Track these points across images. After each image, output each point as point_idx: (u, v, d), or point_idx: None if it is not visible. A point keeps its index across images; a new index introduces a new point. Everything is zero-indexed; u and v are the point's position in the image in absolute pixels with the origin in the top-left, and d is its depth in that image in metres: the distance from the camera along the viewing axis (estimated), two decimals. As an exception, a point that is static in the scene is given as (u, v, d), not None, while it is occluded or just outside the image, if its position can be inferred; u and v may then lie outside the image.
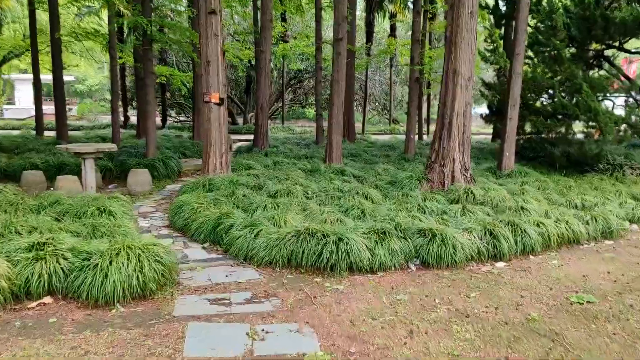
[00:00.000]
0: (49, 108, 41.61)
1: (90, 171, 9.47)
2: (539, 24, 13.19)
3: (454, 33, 9.05)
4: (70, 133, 21.37)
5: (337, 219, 6.71)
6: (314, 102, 34.36)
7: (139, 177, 9.73)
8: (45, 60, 30.94)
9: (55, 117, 16.35)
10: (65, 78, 44.84)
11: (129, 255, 4.66)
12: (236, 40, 22.95)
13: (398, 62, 30.40)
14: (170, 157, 12.08)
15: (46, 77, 41.56)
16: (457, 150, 9.18)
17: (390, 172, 11.51)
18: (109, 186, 10.75)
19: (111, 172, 11.40)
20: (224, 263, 5.79)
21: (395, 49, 21.09)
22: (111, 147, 9.61)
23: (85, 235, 5.45)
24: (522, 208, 7.52)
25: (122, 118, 27.88)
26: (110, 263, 4.53)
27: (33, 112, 38.35)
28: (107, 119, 32.34)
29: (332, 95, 12.08)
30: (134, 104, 25.93)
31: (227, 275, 5.39)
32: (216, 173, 9.54)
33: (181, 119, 31.56)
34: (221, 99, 9.50)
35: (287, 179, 9.27)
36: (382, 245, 5.75)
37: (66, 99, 47.45)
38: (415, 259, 5.94)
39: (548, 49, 12.96)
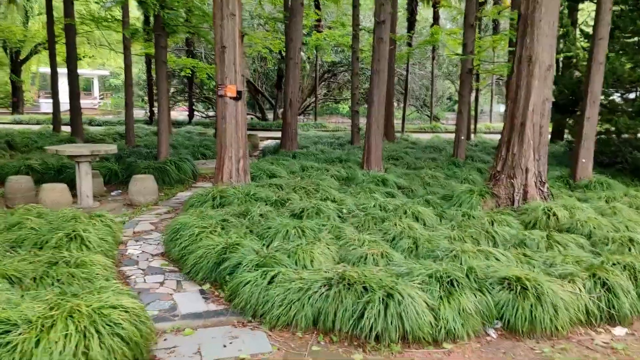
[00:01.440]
0: (83, 102, 41.40)
1: (85, 177, 7.99)
2: (620, 6, 11.04)
3: (530, 10, 7.14)
4: (92, 129, 20.27)
5: (382, 254, 4.98)
6: (349, 97, 32.57)
7: (143, 185, 8.21)
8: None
9: (70, 112, 15.12)
10: (100, 72, 44.75)
11: (73, 324, 3.06)
12: (266, 30, 21.34)
13: (439, 55, 28.25)
14: (185, 159, 10.55)
15: (81, 71, 41.18)
16: (531, 157, 7.28)
17: (440, 180, 9.66)
18: (113, 193, 9.29)
19: (117, 176, 9.95)
20: (224, 321, 4.13)
21: (439, 40, 19.06)
22: (109, 148, 8.11)
23: (29, 282, 3.87)
24: (630, 240, 5.58)
25: (148, 113, 26.81)
26: (38, 343, 2.93)
27: (68, 106, 38.29)
28: (137, 114, 31.40)
29: (371, 89, 10.30)
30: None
31: (225, 346, 3.73)
32: (232, 182, 7.91)
33: (210, 114, 30.26)
34: (239, 92, 7.86)
35: (317, 190, 7.56)
36: (449, 302, 3.98)
37: (101, 93, 47.06)
38: (496, 321, 4.15)
39: (631, 35, 10.81)
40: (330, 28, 20.61)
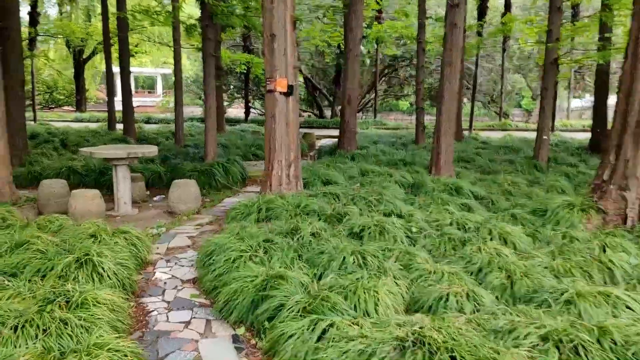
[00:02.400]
0: (145, 100, 42.12)
1: (123, 181, 7.25)
2: None
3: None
4: (147, 127, 20.03)
5: (467, 294, 3.79)
6: (410, 93, 30.99)
7: (184, 191, 7.36)
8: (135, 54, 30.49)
9: (122, 110, 14.74)
10: (163, 71, 45.44)
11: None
12: (324, 23, 20.31)
13: (509, 46, 26.18)
14: (234, 161, 9.68)
15: (138, 69, 41.99)
16: (651, 165, 5.80)
17: (522, 187, 8.23)
18: (155, 198, 8.55)
19: (161, 179, 9.22)
20: (259, 388, 3.10)
21: (513, 28, 17.32)
22: (148, 150, 7.33)
23: (7, 333, 2.99)
24: None
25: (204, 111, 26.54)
26: None
27: (134, 104, 39.00)
28: (194, 111, 31.36)
29: (442, 82, 9.00)
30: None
31: None
32: (281, 190, 6.91)
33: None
34: (290, 87, 6.84)
35: (380, 201, 6.41)
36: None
37: (164, 91, 47.82)
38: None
39: None
40: (392, 19, 19.28)
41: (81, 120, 25.46)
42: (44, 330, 2.99)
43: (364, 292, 3.67)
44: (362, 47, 11.73)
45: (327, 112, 28.03)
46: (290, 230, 5.17)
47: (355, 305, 3.57)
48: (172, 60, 34.56)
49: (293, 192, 6.90)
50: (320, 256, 4.49)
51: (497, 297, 3.97)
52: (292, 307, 3.51)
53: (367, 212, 5.94)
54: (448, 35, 8.87)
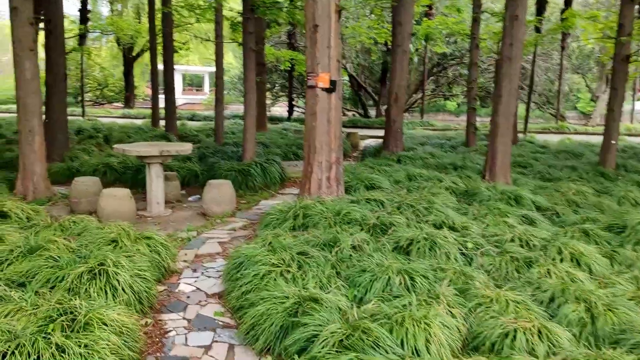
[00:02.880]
0: (194, 98, 42.63)
1: (156, 180, 6.90)
2: None
3: None
4: (190, 124, 19.97)
5: (539, 331, 3.13)
6: (458, 93, 29.87)
7: (218, 192, 6.94)
8: (182, 53, 30.73)
9: (165, 107, 14.61)
10: (211, 69, 45.98)
11: None
12: (371, 19, 19.64)
13: (568, 44, 24.69)
14: (272, 161, 9.22)
15: (186, 67, 42.53)
16: None
17: (589, 198, 7.35)
18: (190, 198, 8.19)
19: (197, 178, 8.87)
20: None
21: (574, 24, 16.12)
22: (182, 148, 6.95)
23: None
24: None
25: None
26: None
27: (181, 102, 39.54)
28: (240, 109, 31.33)
29: (499, 80, 8.22)
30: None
31: None
32: (321, 194, 6.37)
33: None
34: (332, 82, 6.29)
35: (429, 210, 5.77)
36: None
37: (210, 88, 48.45)
38: None
39: None
40: (445, 15, 18.41)
41: (128, 117, 25.83)
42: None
43: (413, 325, 3.08)
44: (409, 45, 11.05)
45: (372, 112, 27.34)
46: (328, 241, 4.61)
47: (402, 341, 2.98)
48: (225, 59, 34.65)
49: (333, 197, 6.35)
50: (361, 275, 3.92)
51: (575, 336, 3.29)
52: (326, 338, 2.96)
53: (415, 222, 5.31)
54: (508, 28, 8.09)
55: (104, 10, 36.47)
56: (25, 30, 7.16)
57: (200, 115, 25.63)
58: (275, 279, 3.83)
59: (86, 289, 3.49)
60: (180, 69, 44.15)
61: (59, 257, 3.86)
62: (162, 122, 16.33)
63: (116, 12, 27.66)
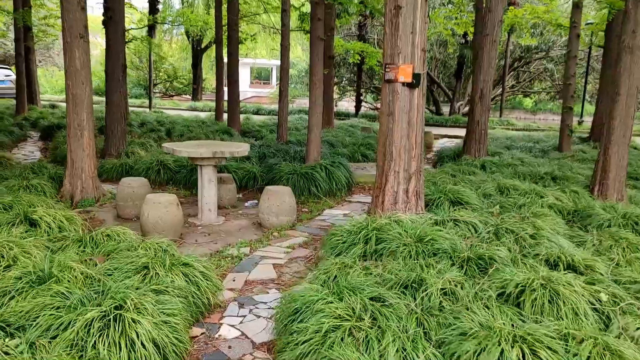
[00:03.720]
0: (261, 91, 42.52)
1: (208, 185, 6.11)
2: None
3: None
4: (255, 118, 19.42)
5: None
6: (541, 90, 27.55)
7: (276, 201, 6.05)
8: (249, 45, 30.39)
9: (228, 100, 14.00)
10: (277, 63, 45.74)
11: None
12: (450, 9, 18.15)
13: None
14: (339, 164, 8.24)
15: (254, 60, 42.44)
16: None
17: None
18: (247, 203, 7.38)
19: (255, 181, 8.05)
20: None
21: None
22: (238, 150, 6.11)
23: None
24: None
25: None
26: None
27: (248, 95, 39.50)
28: (306, 103, 30.64)
29: (617, 74, 6.77)
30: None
31: None
32: (397, 210, 5.31)
33: (378, 106, 28.02)
34: (416, 76, 5.18)
35: (536, 239, 4.55)
36: None
37: (277, 82, 48.39)
38: None
39: None
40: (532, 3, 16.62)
41: (194, 109, 25.78)
42: None
43: None
44: (499, 34, 9.66)
45: (445, 109, 25.73)
46: (410, 281, 3.56)
47: None
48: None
49: (412, 215, 5.26)
50: (459, 340, 2.84)
51: None
52: None
53: (520, 256, 4.13)
54: (631, 12, 6.61)
55: (176, 2, 36.94)
56: (76, 15, 6.57)
57: (266, 109, 25.11)
58: (342, 339, 2.83)
59: (94, 342, 2.65)
60: (249, 62, 44.16)
61: (70, 292, 3.06)
62: (226, 116, 15.83)
63: (187, 4, 27.66)
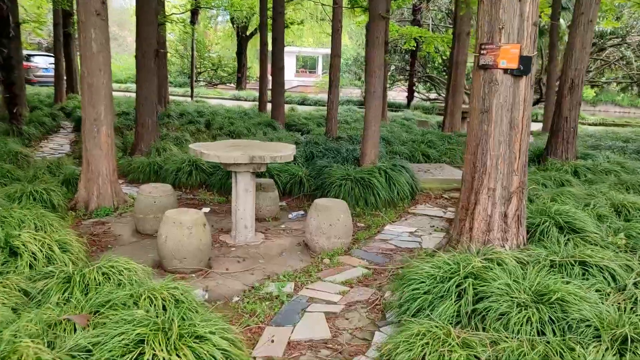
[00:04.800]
0: (306, 80, 41.30)
1: (244, 196, 4.94)
2: None
3: None
4: (300, 109, 18.19)
5: None
6: (611, 80, 25.06)
7: (328, 219, 4.79)
8: (296, 33, 29.21)
9: (272, 90, 12.82)
10: (324, 51, 44.48)
11: None
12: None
13: None
14: (400, 168, 6.91)
15: (299, 49, 41.24)
16: None
17: None
18: (291, 215, 6.17)
19: (301, 186, 6.84)
20: None
21: None
22: (280, 154, 4.88)
23: None
24: None
25: (363, 93, 24.14)
26: None
27: (294, 84, 38.31)
28: (352, 92, 29.25)
29: None
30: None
31: None
32: (491, 240, 3.94)
33: (431, 96, 26.28)
34: (524, 60, 3.78)
35: None
36: None
37: (323, 71, 47.10)
38: None
39: None
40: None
41: (238, 99, 24.85)
42: None
43: None
44: (596, 13, 8.01)
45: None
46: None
47: None
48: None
49: (512, 248, 3.90)
50: None
51: None
52: None
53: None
54: None
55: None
56: (91, -12, 5.49)
57: (312, 100, 23.88)
58: None
59: None
60: (294, 50, 42.99)
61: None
62: (270, 106, 14.70)
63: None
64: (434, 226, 5.89)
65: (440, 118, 16.45)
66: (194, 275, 4.23)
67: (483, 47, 3.87)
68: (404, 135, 10.69)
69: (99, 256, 4.56)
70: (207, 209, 6.26)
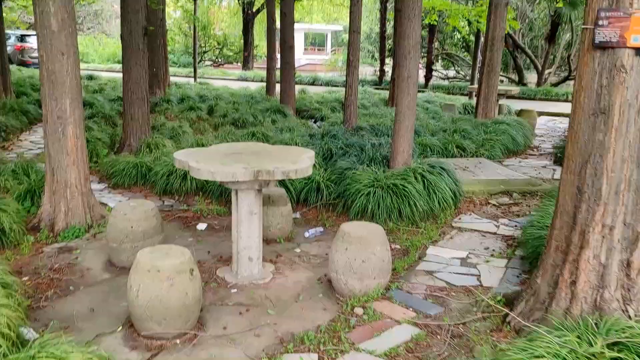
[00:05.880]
0: (315, 58, 39.60)
1: (248, 221, 3.74)
2: None
3: None
4: (311, 91, 16.78)
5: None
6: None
7: (360, 253, 3.55)
8: (305, 8, 27.65)
9: (281, 70, 11.50)
10: (334, 28, 42.65)
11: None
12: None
13: None
14: (440, 170, 5.64)
15: (308, 26, 39.53)
16: None
17: None
18: (307, 233, 4.95)
19: (319, 193, 5.59)
20: None
21: None
22: (294, 168, 3.63)
23: None
24: None
25: (377, 73, 22.70)
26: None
27: (302, 62, 36.63)
28: (366, 71, 27.70)
29: None
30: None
31: None
32: (608, 303, 2.69)
33: (449, 74, 24.75)
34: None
35: None
36: None
37: (332, 48, 45.42)
38: None
39: None
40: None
41: (245, 79, 23.50)
42: None
43: None
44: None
45: (531, 78, 22.19)
46: None
47: None
48: (343, 18, 31.04)
49: (638, 313, 2.65)
50: None
51: None
52: None
53: None
54: None
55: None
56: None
57: (322, 79, 22.48)
58: None
59: None
60: (303, 27, 41.28)
61: None
62: (279, 88, 13.36)
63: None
64: (488, 248, 4.66)
65: (464, 99, 15.05)
66: (177, 341, 3.05)
67: (602, 14, 2.57)
68: (432, 124, 9.36)
69: (54, 307, 3.40)
70: (203, 226, 5.06)
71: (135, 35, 7.06)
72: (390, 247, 4.63)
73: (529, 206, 5.95)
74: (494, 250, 4.63)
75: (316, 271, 4.10)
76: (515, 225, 5.26)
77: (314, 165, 6.08)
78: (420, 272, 4.14)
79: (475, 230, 5.13)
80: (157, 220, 4.11)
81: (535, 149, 9.39)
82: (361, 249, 3.57)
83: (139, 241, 3.94)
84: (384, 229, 4.77)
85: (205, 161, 3.65)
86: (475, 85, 13.96)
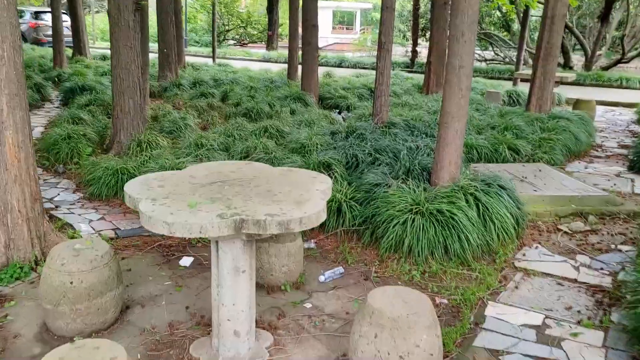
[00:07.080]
0: (343, 37, 37.90)
1: (233, 280, 2.51)
2: None
3: None
4: (337, 74, 15.35)
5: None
6: None
7: (394, 344, 2.33)
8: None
9: (302, 52, 10.20)
10: (363, 6, 40.88)
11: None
12: None
13: None
14: (497, 189, 4.33)
15: (337, 3, 37.77)
16: None
17: None
18: (323, 276, 3.73)
19: (339, 216, 4.35)
20: None
21: None
22: (300, 214, 2.39)
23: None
24: None
25: (409, 54, 21.11)
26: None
27: (330, 41, 34.98)
28: (395, 53, 26.04)
29: None
30: (427, 35, 18.42)
31: None
32: None
33: (486, 56, 22.94)
34: None
35: None
36: None
37: (361, 28, 43.70)
38: None
39: None
40: None
41: (267, 60, 22.19)
42: None
43: None
44: None
45: (575, 60, 20.26)
46: None
47: None
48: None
49: None
50: None
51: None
52: None
53: None
54: None
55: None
56: None
57: (350, 61, 21.00)
58: None
59: None
60: (332, 5, 39.50)
61: None
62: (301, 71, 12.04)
63: None
64: (571, 308, 3.37)
65: (507, 84, 13.45)
66: None
67: None
68: (476, 117, 7.96)
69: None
70: (188, 261, 3.90)
71: (124, 11, 5.87)
72: (435, 300, 3.41)
73: (612, 235, 4.60)
74: (579, 311, 3.34)
75: (332, 345, 2.91)
76: (602, 268, 3.94)
77: (334, 173, 4.85)
78: (481, 352, 2.90)
79: (548, 274, 3.83)
80: (112, 271, 2.95)
81: (599, 148, 7.92)
82: (399, 337, 2.34)
83: (83, 302, 2.80)
84: (427, 272, 3.56)
85: (166, 199, 2.46)
86: (524, 71, 12.41)
